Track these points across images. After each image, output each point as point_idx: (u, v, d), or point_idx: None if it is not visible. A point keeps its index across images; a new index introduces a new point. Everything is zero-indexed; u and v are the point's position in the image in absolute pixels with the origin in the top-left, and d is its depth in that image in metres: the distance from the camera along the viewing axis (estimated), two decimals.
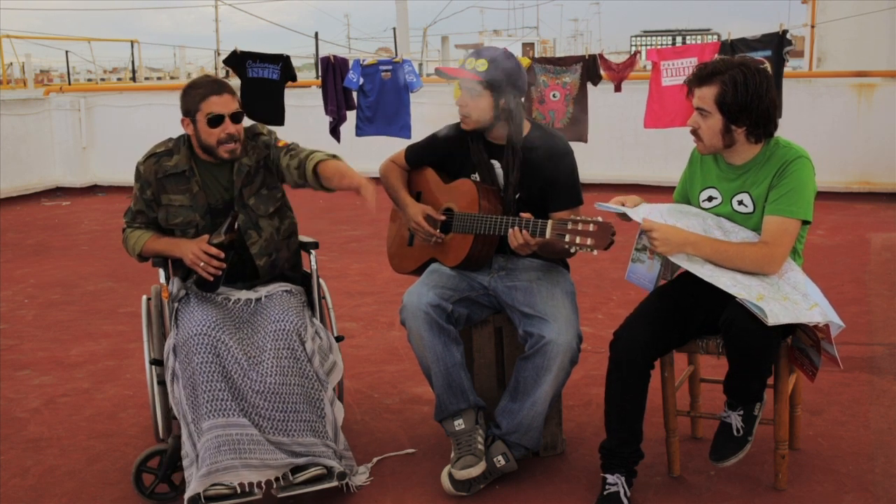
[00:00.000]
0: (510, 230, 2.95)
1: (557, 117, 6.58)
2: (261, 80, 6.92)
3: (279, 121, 6.99)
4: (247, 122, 3.22)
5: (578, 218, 2.79)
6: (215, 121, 3.07)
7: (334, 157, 3.13)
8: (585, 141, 6.58)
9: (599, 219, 2.77)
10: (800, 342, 2.95)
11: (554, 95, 6.57)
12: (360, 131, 6.77)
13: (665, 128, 6.60)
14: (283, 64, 6.97)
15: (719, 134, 2.86)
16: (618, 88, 6.75)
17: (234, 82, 7.49)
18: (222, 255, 3.03)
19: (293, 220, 3.34)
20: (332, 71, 6.71)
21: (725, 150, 2.91)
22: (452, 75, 3.19)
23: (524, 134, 3.16)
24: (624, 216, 2.87)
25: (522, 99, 3.18)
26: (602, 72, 6.68)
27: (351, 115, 7.00)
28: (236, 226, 3.08)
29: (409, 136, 6.75)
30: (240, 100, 3.19)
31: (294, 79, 7.16)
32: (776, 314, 2.64)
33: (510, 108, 3.10)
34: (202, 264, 3.02)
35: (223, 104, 3.09)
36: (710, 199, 2.99)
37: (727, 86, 2.79)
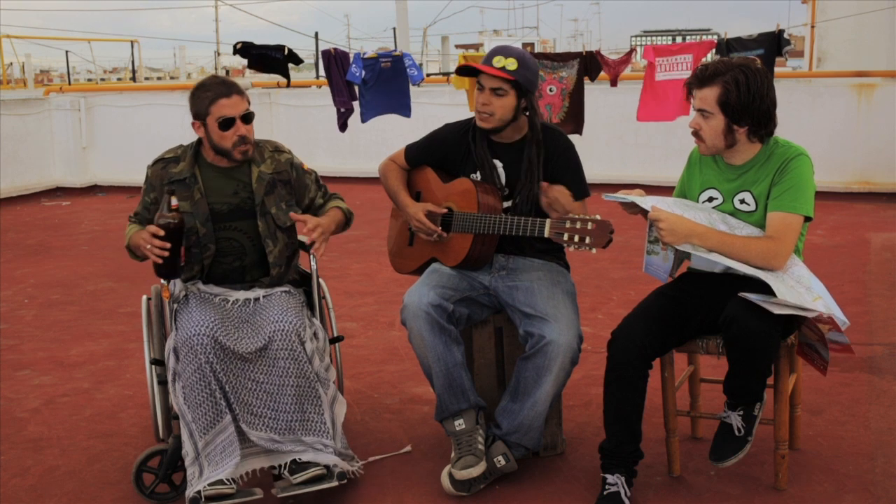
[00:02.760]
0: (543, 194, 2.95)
1: (554, 112, 6.59)
2: (265, 56, 7.04)
3: (286, 76, 7.15)
4: (263, 133, 3.21)
5: (577, 216, 2.79)
6: (226, 124, 3.07)
7: (339, 207, 3.33)
8: (580, 133, 6.59)
9: (598, 217, 2.77)
10: (806, 338, 2.96)
11: (550, 90, 6.58)
12: (365, 116, 6.80)
13: (658, 121, 6.60)
14: (283, 53, 7.07)
15: (721, 135, 2.87)
16: (614, 83, 6.79)
17: (242, 81, 7.56)
18: (161, 233, 2.93)
19: (297, 243, 3.35)
20: (334, 63, 6.74)
21: (727, 150, 2.92)
22: (488, 72, 3.05)
23: (525, 131, 3.17)
24: (632, 206, 2.86)
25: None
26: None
27: (356, 106, 7.05)
28: (173, 203, 2.96)
29: (408, 115, 6.78)
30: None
31: (298, 62, 7.25)
32: (783, 293, 2.68)
33: (532, 105, 3.13)
34: (149, 247, 2.96)
35: (233, 106, 3.08)
36: (710, 199, 3.00)
37: (730, 86, 2.81)
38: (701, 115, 2.89)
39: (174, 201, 2.96)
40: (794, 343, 2.98)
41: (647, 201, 2.85)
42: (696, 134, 2.93)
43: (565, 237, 2.79)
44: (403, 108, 6.81)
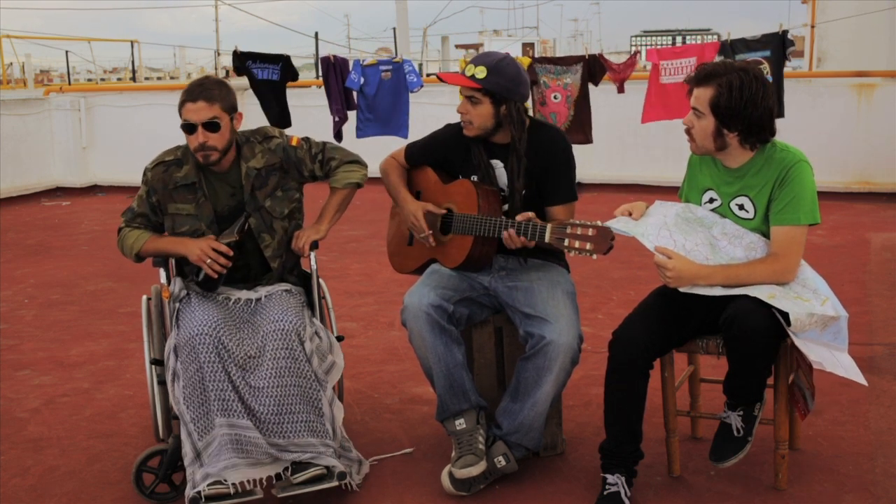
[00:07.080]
0: (504, 233, 2.96)
1: (560, 120, 6.54)
2: (263, 82, 6.91)
3: (286, 123, 6.98)
4: (258, 123, 3.21)
5: (578, 222, 2.80)
6: (186, 129, 3.06)
7: (355, 184, 3.34)
8: (591, 142, 6.55)
9: (599, 223, 2.78)
10: (801, 382, 2.99)
11: (555, 97, 6.54)
12: (361, 132, 6.76)
13: (663, 120, 6.56)
14: (283, 64, 6.95)
15: (711, 136, 2.86)
16: (620, 89, 6.69)
17: (236, 82, 7.44)
18: (231, 252, 3.05)
19: (300, 222, 3.35)
20: (332, 71, 6.70)
21: (718, 152, 2.92)
22: (451, 82, 3.17)
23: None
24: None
25: (527, 103, 3.17)
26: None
27: (351, 116, 6.99)
28: (247, 227, 3.10)
29: (406, 136, 6.74)
30: (225, 105, 3.11)
31: (295, 78, 7.12)
32: (791, 310, 2.71)
33: (512, 113, 3.09)
34: (209, 261, 3.03)
35: (195, 112, 3.03)
36: (710, 200, 3.00)
37: (722, 89, 2.79)
38: (694, 113, 2.88)
39: (247, 226, 3.12)
40: (793, 344, 2.98)
41: (648, 236, 2.84)
42: (688, 132, 2.93)
43: (566, 243, 2.80)
44: (402, 129, 6.75)
